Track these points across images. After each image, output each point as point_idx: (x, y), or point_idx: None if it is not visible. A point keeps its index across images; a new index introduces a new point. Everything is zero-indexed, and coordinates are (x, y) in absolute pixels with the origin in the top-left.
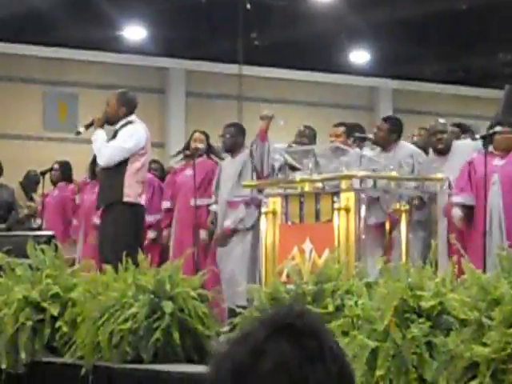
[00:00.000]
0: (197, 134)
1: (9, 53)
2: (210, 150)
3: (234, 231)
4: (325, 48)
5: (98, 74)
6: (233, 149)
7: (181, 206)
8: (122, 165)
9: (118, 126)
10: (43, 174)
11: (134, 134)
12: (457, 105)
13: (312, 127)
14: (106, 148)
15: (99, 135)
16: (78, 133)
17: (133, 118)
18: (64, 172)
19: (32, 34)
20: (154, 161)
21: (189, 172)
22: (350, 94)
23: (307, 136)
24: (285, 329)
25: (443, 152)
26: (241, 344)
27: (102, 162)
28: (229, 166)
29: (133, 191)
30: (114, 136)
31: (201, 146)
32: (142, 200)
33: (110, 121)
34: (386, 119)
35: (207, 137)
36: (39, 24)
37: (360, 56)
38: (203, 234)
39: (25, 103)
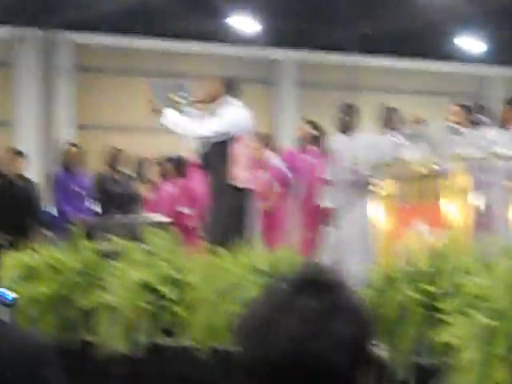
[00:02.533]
0: (302, 123)
1: (121, 46)
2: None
3: None
4: (439, 36)
5: (208, 66)
6: (346, 129)
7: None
8: (225, 151)
9: (216, 104)
10: (159, 163)
11: (235, 117)
12: None
13: (395, 108)
14: (206, 126)
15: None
16: (177, 102)
17: (235, 101)
18: (178, 167)
19: (143, 27)
20: None
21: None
22: (460, 82)
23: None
24: (307, 285)
25: None
26: (265, 301)
27: (193, 135)
28: (345, 145)
29: (240, 175)
30: (213, 115)
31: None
32: (252, 184)
33: (208, 99)
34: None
35: (315, 125)
36: (150, 17)
37: (471, 43)
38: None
39: (135, 96)
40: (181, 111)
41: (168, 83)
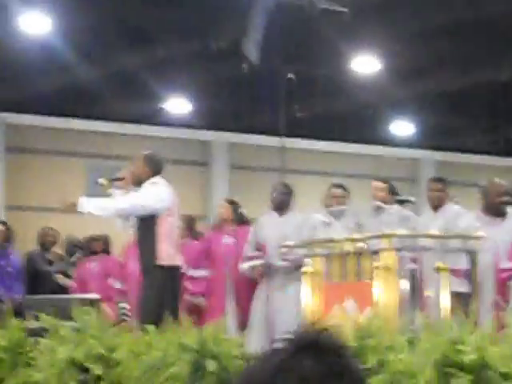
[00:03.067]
0: (222, 203)
1: (53, 127)
2: (239, 217)
3: None
4: (367, 120)
5: (141, 148)
6: (281, 207)
7: (223, 272)
8: (151, 228)
9: (141, 187)
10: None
11: (157, 193)
12: (499, 176)
13: (343, 186)
14: (123, 199)
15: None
16: (99, 183)
17: (157, 179)
18: (105, 244)
19: (76, 108)
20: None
21: (228, 239)
22: (392, 166)
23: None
24: (307, 346)
25: (503, 214)
26: (266, 361)
27: (112, 211)
28: (276, 224)
29: (166, 254)
30: None
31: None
32: (178, 261)
33: (134, 181)
34: (436, 179)
35: (234, 204)
36: (83, 98)
37: (403, 127)
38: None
39: (69, 177)
40: (108, 194)
41: (102, 165)
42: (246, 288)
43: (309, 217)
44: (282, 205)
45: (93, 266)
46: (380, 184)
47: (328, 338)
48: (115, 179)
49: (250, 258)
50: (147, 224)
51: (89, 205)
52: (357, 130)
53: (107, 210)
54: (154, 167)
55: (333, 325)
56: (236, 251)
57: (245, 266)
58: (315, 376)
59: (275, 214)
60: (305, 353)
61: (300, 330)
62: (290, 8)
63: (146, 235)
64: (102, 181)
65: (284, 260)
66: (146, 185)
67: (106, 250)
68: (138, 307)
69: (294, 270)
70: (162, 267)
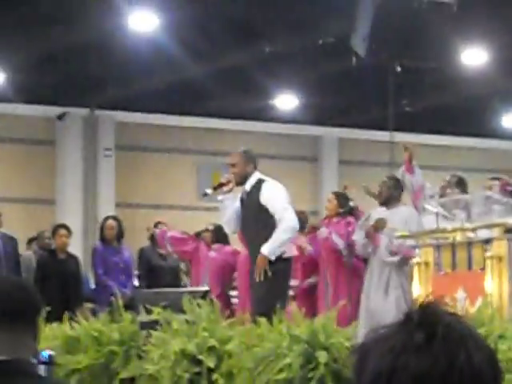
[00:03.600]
0: (330, 196)
1: (163, 124)
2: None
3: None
4: (477, 113)
5: (251, 144)
6: (389, 201)
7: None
8: (271, 222)
9: (248, 185)
10: (197, 234)
11: (281, 193)
12: None
13: (460, 175)
14: (286, 227)
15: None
16: (205, 194)
17: (258, 174)
18: (218, 234)
19: (185, 105)
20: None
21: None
22: (503, 159)
23: (454, 184)
24: (424, 326)
25: None
26: (384, 341)
27: (294, 229)
28: (385, 217)
29: (287, 246)
30: (248, 196)
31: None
32: (294, 251)
33: (239, 181)
34: None
35: (343, 197)
36: (192, 95)
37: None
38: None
39: (179, 174)
40: (220, 201)
41: (212, 162)
42: (351, 279)
43: (417, 213)
44: (389, 199)
45: (209, 255)
46: (492, 182)
47: (448, 318)
48: (219, 186)
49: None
50: (267, 217)
51: (273, 254)
52: (467, 123)
53: (281, 243)
54: (254, 162)
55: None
56: (330, 244)
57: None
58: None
59: (384, 208)
60: (429, 333)
61: (416, 309)
62: (397, 1)
63: (266, 229)
64: (208, 191)
65: (390, 252)
66: (270, 190)
67: (222, 241)
68: (258, 298)
69: (400, 265)
70: (284, 259)
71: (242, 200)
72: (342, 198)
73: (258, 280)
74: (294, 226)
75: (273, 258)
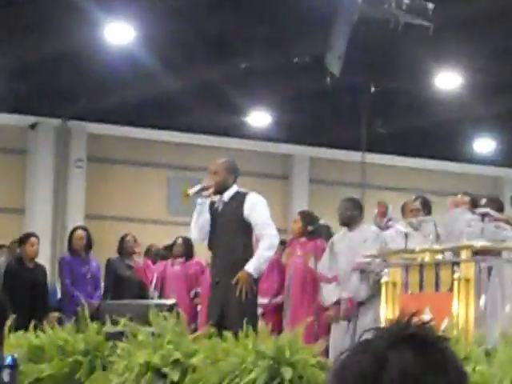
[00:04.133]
0: (296, 217)
1: (135, 137)
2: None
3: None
4: (449, 136)
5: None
6: (349, 223)
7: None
8: (247, 236)
9: (226, 195)
10: (167, 248)
11: (266, 208)
12: None
13: (424, 196)
14: (266, 244)
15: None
16: (187, 195)
17: (236, 187)
18: (187, 247)
19: (158, 119)
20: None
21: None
22: (474, 183)
23: (421, 207)
24: (407, 339)
25: None
26: (363, 352)
27: (268, 259)
28: (345, 240)
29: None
30: (226, 206)
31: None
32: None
33: (218, 189)
34: None
35: (310, 219)
36: (165, 109)
37: (485, 145)
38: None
39: (150, 187)
40: (197, 203)
41: (183, 176)
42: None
43: (379, 231)
44: (349, 220)
45: (174, 269)
46: (463, 198)
47: (426, 331)
48: (202, 190)
49: (328, 281)
50: (244, 229)
51: (258, 272)
52: (439, 146)
53: (265, 261)
54: (235, 174)
55: (427, 321)
56: (304, 266)
57: (326, 297)
58: (417, 369)
59: (346, 231)
60: (403, 346)
61: (395, 322)
62: (373, 22)
63: (242, 243)
64: (191, 191)
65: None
66: (255, 203)
67: (188, 254)
68: (230, 312)
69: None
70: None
71: (215, 210)
72: (308, 217)
73: (240, 297)
74: (276, 243)
75: (256, 276)
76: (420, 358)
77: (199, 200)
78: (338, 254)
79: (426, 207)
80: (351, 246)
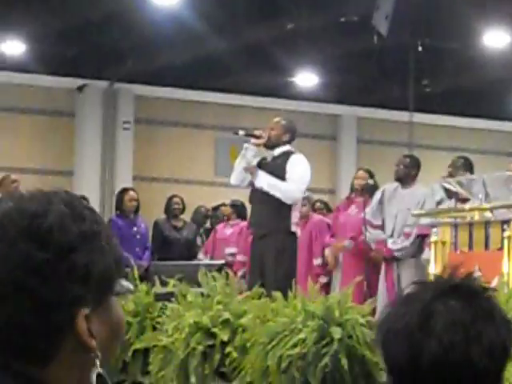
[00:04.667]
0: (360, 172)
1: (182, 99)
2: (373, 187)
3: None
4: (497, 95)
5: (269, 121)
6: (404, 179)
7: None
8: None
9: (276, 152)
10: (214, 208)
11: (307, 171)
12: None
13: (467, 157)
14: (293, 185)
15: (262, 176)
16: (237, 133)
17: (290, 147)
18: (237, 208)
19: (205, 80)
20: (319, 201)
21: (353, 210)
22: None
23: (462, 167)
24: (451, 290)
25: None
26: (409, 304)
27: (289, 199)
28: (396, 196)
29: (295, 221)
30: (274, 160)
31: (364, 182)
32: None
33: (270, 143)
34: None
35: (371, 174)
36: (212, 70)
37: None
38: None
39: (197, 148)
40: (243, 147)
41: (229, 138)
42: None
43: (433, 191)
44: (405, 176)
45: (226, 231)
46: None
47: (471, 282)
48: (251, 135)
49: (373, 227)
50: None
51: (263, 180)
52: (486, 105)
53: (275, 189)
54: (292, 135)
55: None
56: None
57: (370, 236)
58: (465, 317)
59: (399, 187)
60: (448, 297)
61: (440, 276)
62: None
63: (280, 202)
64: (241, 132)
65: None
66: (299, 161)
67: (239, 216)
68: (272, 273)
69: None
70: (289, 233)
71: (264, 164)
72: (368, 172)
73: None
74: (296, 197)
75: (257, 181)
76: (467, 306)
77: (245, 144)
78: (387, 206)
79: (468, 167)
80: (402, 205)
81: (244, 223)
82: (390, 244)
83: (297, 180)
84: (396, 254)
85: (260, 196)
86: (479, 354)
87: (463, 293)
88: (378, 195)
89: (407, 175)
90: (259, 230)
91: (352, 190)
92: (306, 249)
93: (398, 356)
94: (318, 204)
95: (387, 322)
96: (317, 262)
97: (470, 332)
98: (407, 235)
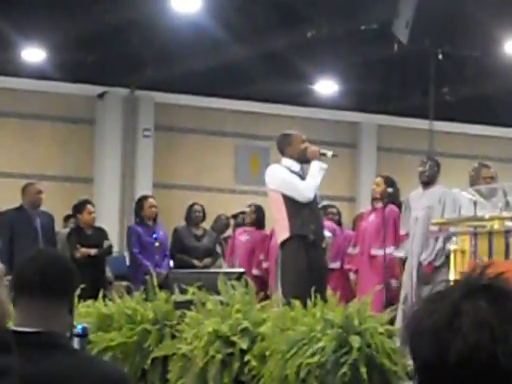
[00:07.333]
0: (377, 179)
1: (202, 106)
2: (393, 195)
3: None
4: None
5: (289, 128)
6: (430, 181)
7: (365, 251)
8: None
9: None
10: (234, 216)
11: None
12: None
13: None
14: (312, 184)
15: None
16: (324, 155)
17: None
18: (258, 215)
19: (225, 88)
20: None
21: (372, 218)
22: None
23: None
24: (480, 290)
25: None
26: (437, 303)
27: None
28: (422, 198)
29: (298, 224)
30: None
31: (379, 189)
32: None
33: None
34: None
35: (391, 182)
36: (232, 78)
37: None
38: (394, 282)
39: (217, 156)
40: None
41: (250, 145)
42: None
43: (453, 192)
44: (430, 179)
45: (243, 238)
46: None
47: (500, 282)
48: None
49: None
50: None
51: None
52: (506, 113)
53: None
54: None
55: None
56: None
57: (396, 253)
58: (493, 318)
59: (421, 189)
60: (477, 296)
61: (468, 274)
62: None
63: (310, 208)
64: (329, 154)
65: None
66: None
67: (258, 224)
68: (280, 281)
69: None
70: (293, 237)
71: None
72: (388, 180)
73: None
74: (303, 194)
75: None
76: (495, 307)
77: (325, 165)
78: (413, 211)
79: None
80: (427, 206)
81: (260, 231)
82: (424, 258)
83: (310, 183)
84: (437, 263)
85: (317, 207)
86: (505, 355)
87: (492, 293)
88: (404, 204)
89: (433, 177)
90: (319, 238)
91: (372, 197)
92: None
93: (425, 353)
94: (330, 209)
95: (415, 318)
96: (333, 265)
97: (496, 333)
98: (434, 235)
